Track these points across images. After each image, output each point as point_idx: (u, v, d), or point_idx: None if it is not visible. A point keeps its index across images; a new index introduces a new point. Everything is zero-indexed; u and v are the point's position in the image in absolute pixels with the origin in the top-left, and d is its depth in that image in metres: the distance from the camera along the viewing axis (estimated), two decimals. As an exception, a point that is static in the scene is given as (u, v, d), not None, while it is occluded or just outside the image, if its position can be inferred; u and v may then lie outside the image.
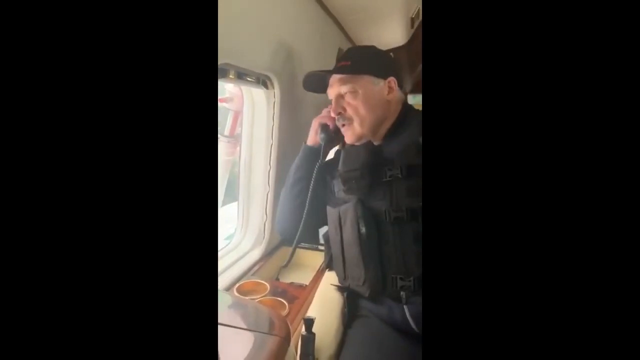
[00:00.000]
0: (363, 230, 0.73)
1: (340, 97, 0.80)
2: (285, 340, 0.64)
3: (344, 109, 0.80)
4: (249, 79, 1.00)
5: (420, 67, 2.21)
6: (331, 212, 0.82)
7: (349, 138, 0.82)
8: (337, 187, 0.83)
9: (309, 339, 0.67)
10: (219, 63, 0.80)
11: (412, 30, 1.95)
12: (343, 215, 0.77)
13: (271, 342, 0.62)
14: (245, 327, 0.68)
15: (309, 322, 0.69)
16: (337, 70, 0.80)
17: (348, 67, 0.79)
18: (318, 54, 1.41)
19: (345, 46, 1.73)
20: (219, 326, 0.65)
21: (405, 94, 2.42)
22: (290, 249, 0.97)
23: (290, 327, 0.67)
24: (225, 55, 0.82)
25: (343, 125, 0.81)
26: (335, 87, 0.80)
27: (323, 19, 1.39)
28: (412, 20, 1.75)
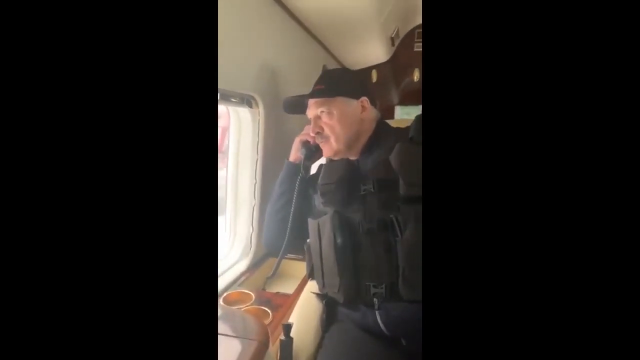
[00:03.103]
0: (339, 240, 0.78)
1: (318, 117, 0.88)
2: (264, 344, 0.69)
3: (322, 128, 0.87)
4: (233, 99, 1.07)
5: (406, 80, 2.30)
6: (312, 223, 0.88)
7: (327, 153, 0.89)
8: (317, 200, 0.89)
9: (287, 343, 0.72)
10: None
11: (394, 48, 2.05)
12: (322, 227, 0.83)
13: (251, 346, 0.67)
14: (226, 333, 0.72)
15: (287, 328, 0.74)
16: (313, 94, 0.87)
17: (322, 90, 0.86)
18: (302, 73, 1.48)
19: (331, 64, 1.81)
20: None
21: (392, 107, 2.52)
22: (276, 260, 1.02)
23: (269, 332, 0.72)
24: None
25: (322, 142, 0.88)
26: (313, 109, 0.88)
27: (305, 40, 1.46)
28: (392, 39, 1.84)
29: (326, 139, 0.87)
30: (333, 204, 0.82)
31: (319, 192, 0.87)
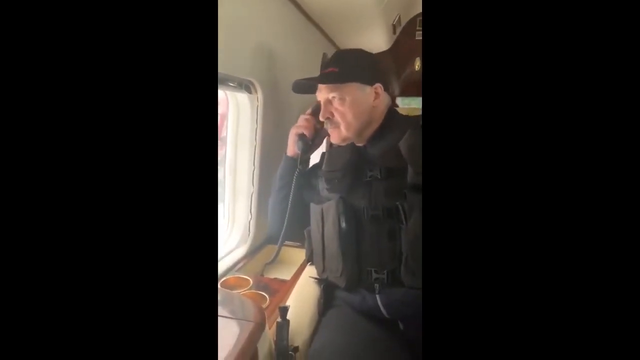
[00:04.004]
0: (343, 225, 0.78)
1: (329, 102, 0.84)
2: (261, 326, 0.69)
3: (332, 114, 0.84)
4: (231, 84, 1.06)
5: (407, 71, 2.28)
6: (314, 208, 0.87)
7: (334, 139, 0.87)
8: (321, 186, 0.88)
9: (283, 325, 0.73)
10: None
11: (395, 36, 2.02)
12: (325, 212, 0.83)
13: (247, 327, 0.68)
14: (224, 315, 0.73)
15: (284, 310, 0.74)
16: (325, 78, 0.84)
17: (335, 74, 0.82)
18: (301, 59, 1.47)
19: (330, 51, 1.79)
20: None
21: (393, 98, 2.49)
22: (276, 247, 1.02)
23: (265, 314, 0.72)
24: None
25: (330, 128, 0.86)
26: (324, 92, 0.84)
27: (305, 25, 1.45)
28: (394, 27, 1.82)
29: (336, 125, 0.84)
30: (338, 190, 0.82)
31: (323, 179, 0.86)
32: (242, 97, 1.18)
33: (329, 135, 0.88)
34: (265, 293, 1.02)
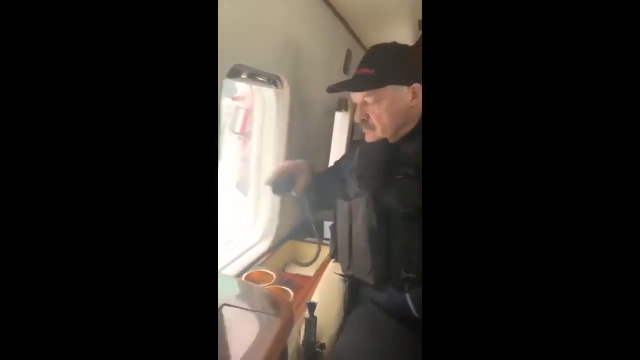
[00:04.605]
0: (373, 223, 0.77)
1: (364, 103, 0.81)
2: (289, 321, 0.69)
3: (367, 116, 0.82)
4: (260, 78, 1.06)
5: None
6: (342, 204, 0.86)
7: (369, 139, 0.85)
8: (351, 181, 0.87)
9: (311, 321, 0.72)
10: (233, 64, 0.86)
11: (421, 32, 1.99)
12: (355, 208, 0.81)
13: (276, 323, 0.68)
14: (252, 309, 0.73)
15: (312, 306, 0.74)
16: (360, 84, 0.81)
17: (370, 78, 0.78)
18: (327, 54, 1.46)
19: (353, 47, 1.77)
20: (230, 308, 0.71)
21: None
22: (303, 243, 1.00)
23: (293, 310, 0.72)
24: (237, 56, 0.88)
25: (366, 129, 0.84)
26: (360, 95, 0.82)
27: (332, 21, 1.44)
28: (420, 22, 1.78)
29: (372, 127, 0.82)
30: (369, 187, 0.81)
31: (354, 175, 0.85)
32: (269, 92, 1.18)
33: (363, 134, 0.87)
34: (289, 288, 1.03)
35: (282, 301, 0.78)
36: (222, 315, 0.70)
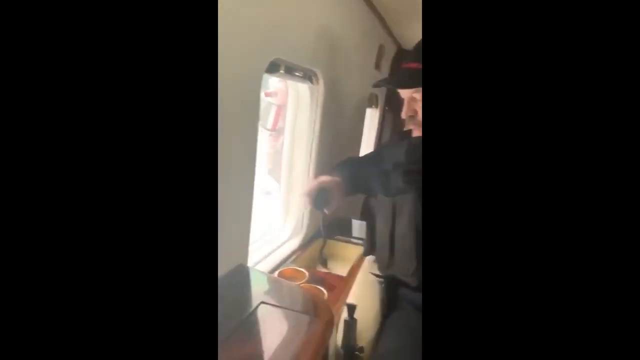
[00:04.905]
0: (420, 222, 0.74)
1: (413, 99, 0.80)
2: (330, 324, 0.68)
3: (415, 112, 0.80)
4: (297, 73, 1.04)
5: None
6: (383, 200, 0.83)
7: (417, 134, 0.83)
8: (397, 176, 0.84)
9: (350, 324, 0.71)
10: (271, 58, 0.85)
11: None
12: (399, 206, 0.79)
13: (317, 325, 0.66)
14: (289, 307, 0.72)
15: (352, 309, 0.72)
16: (409, 77, 0.78)
17: (419, 74, 0.75)
18: (360, 49, 1.43)
19: (386, 42, 1.73)
20: (267, 306, 0.70)
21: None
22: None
23: (333, 312, 0.70)
24: (276, 50, 0.86)
25: (413, 125, 0.82)
26: (408, 90, 0.80)
27: (366, 14, 1.40)
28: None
29: (419, 124, 0.80)
30: (417, 184, 0.78)
31: (400, 170, 0.82)
32: (303, 87, 1.16)
33: (409, 130, 0.84)
34: (322, 287, 1.01)
35: (321, 302, 0.77)
36: (259, 314, 0.69)
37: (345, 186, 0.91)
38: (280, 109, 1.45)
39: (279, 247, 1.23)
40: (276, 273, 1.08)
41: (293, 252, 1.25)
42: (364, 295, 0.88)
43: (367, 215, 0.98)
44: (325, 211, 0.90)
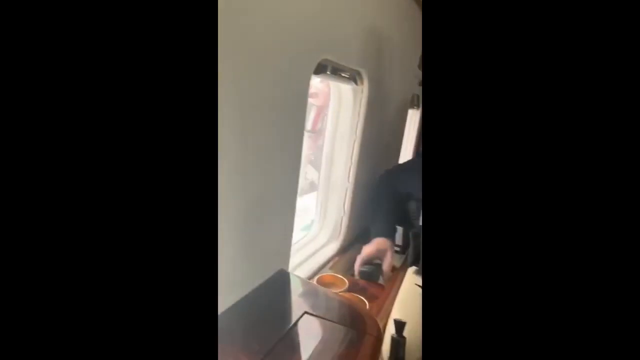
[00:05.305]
0: None
1: None
2: (378, 340, 0.64)
3: None
4: (343, 74, 1.01)
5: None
6: None
7: None
8: None
9: (399, 342, 0.66)
10: (320, 59, 0.82)
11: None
12: None
13: (365, 340, 0.62)
14: (333, 320, 0.69)
15: (400, 325, 0.68)
16: None
17: None
18: (406, 49, 1.37)
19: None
20: (310, 317, 0.67)
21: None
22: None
23: (380, 327, 0.66)
24: (325, 50, 0.83)
25: None
26: None
27: (413, 14, 1.35)
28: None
29: None
30: None
31: None
32: (346, 88, 1.12)
33: None
34: (363, 297, 0.97)
35: (367, 315, 0.73)
36: (302, 325, 0.66)
37: (392, 196, 0.88)
38: (320, 109, 1.42)
39: (315, 252, 1.21)
40: (315, 279, 1.05)
41: (331, 258, 1.22)
42: (407, 307, 0.83)
43: (409, 221, 0.93)
44: (381, 280, 0.92)
